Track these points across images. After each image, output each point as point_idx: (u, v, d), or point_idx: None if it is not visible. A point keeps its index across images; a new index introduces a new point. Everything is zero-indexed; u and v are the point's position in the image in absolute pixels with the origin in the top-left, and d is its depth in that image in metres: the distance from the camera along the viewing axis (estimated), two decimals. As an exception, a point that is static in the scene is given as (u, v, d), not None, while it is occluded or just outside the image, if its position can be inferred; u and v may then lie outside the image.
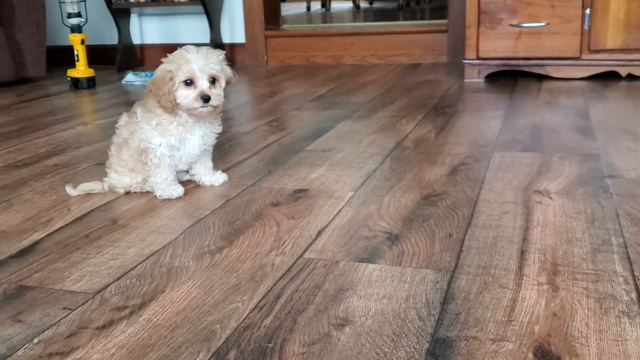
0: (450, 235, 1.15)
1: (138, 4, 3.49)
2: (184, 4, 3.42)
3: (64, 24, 3.09)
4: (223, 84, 1.37)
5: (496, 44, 2.68)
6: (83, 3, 3.09)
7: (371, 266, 1.03)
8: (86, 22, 3.09)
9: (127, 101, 2.64)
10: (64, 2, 3.03)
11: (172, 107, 1.34)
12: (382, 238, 1.14)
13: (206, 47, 1.38)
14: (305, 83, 2.96)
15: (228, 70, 1.40)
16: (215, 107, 1.36)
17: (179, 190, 1.42)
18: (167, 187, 1.41)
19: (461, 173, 1.49)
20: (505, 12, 2.64)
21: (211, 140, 1.45)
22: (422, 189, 1.39)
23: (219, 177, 1.50)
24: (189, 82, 1.33)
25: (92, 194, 1.45)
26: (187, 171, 1.50)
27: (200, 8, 3.44)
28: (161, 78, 1.33)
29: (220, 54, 1.37)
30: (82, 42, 3.01)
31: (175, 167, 1.43)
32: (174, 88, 1.32)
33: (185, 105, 1.34)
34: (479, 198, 1.33)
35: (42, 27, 3.24)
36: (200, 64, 1.32)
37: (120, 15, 3.59)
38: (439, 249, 1.09)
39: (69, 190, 1.44)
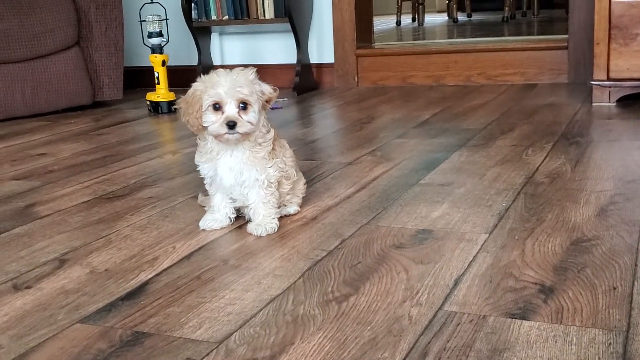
0: (614, 288, 1.10)
1: (220, 22, 3.62)
2: (269, 22, 3.52)
3: (144, 44, 3.24)
4: (256, 107, 1.39)
5: (631, 63, 2.60)
6: (165, 22, 3.24)
7: (526, 323, 1.01)
8: (167, 42, 3.24)
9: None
10: (145, 21, 3.19)
11: (199, 127, 1.40)
12: (534, 290, 1.11)
13: (239, 68, 1.41)
14: (404, 107, 2.97)
15: (264, 88, 1.41)
16: (243, 134, 1.37)
17: (219, 222, 1.48)
18: (208, 216, 1.49)
19: (612, 214, 1.44)
20: (642, 26, 2.57)
21: (249, 179, 1.43)
22: (569, 233, 1.35)
23: (257, 228, 1.44)
24: (217, 107, 1.37)
25: (195, 228, 1.50)
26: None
27: (287, 26, 3.53)
28: (192, 96, 1.40)
29: (251, 74, 1.40)
30: (163, 63, 3.15)
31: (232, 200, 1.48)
32: (203, 110, 1.38)
33: (211, 132, 1.39)
34: (639, 245, 1.27)
35: (120, 48, 3.41)
36: (227, 88, 1.36)
37: (201, 34, 3.74)
38: (605, 305, 1.05)
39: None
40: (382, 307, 1.09)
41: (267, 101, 1.43)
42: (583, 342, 0.95)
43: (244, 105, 1.38)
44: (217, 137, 1.39)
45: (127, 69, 3.77)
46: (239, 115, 1.37)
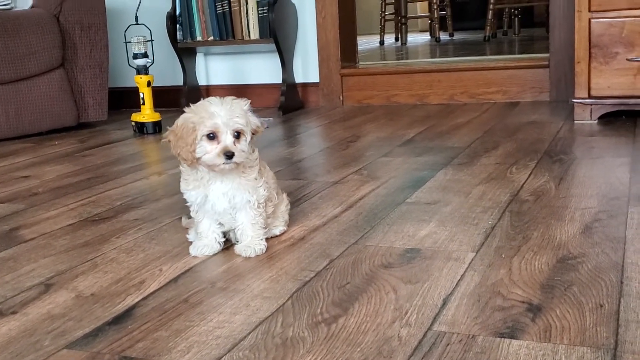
0: (601, 306, 1.11)
1: (205, 43, 3.63)
2: (254, 42, 3.53)
3: (129, 65, 3.24)
4: (248, 138, 1.39)
5: (611, 81, 2.64)
6: (150, 43, 3.24)
7: (515, 342, 1.01)
8: (153, 63, 3.23)
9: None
10: (130, 42, 3.18)
11: (192, 160, 1.37)
12: (522, 309, 1.11)
13: (231, 97, 1.40)
14: (388, 125, 2.98)
15: (255, 121, 1.42)
16: (238, 164, 1.37)
17: (210, 248, 1.45)
18: (197, 243, 1.46)
19: (597, 231, 1.45)
20: (622, 45, 2.61)
21: (241, 201, 1.42)
22: (555, 250, 1.36)
23: (246, 249, 1.44)
24: (212, 136, 1.35)
25: (182, 250, 1.48)
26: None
27: (272, 46, 3.54)
28: (183, 128, 1.36)
29: (245, 104, 1.40)
30: (149, 84, 3.15)
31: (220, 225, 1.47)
32: (197, 141, 1.35)
33: (206, 161, 1.36)
34: (624, 261, 1.28)
35: (105, 69, 3.41)
36: (225, 119, 1.34)
37: (186, 55, 3.74)
38: (592, 323, 1.05)
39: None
40: (371, 328, 1.08)
41: (254, 132, 1.42)
42: (572, 360, 0.95)
43: (237, 135, 1.37)
44: (210, 166, 1.37)
45: (112, 90, 3.76)
46: (235, 145, 1.36)
